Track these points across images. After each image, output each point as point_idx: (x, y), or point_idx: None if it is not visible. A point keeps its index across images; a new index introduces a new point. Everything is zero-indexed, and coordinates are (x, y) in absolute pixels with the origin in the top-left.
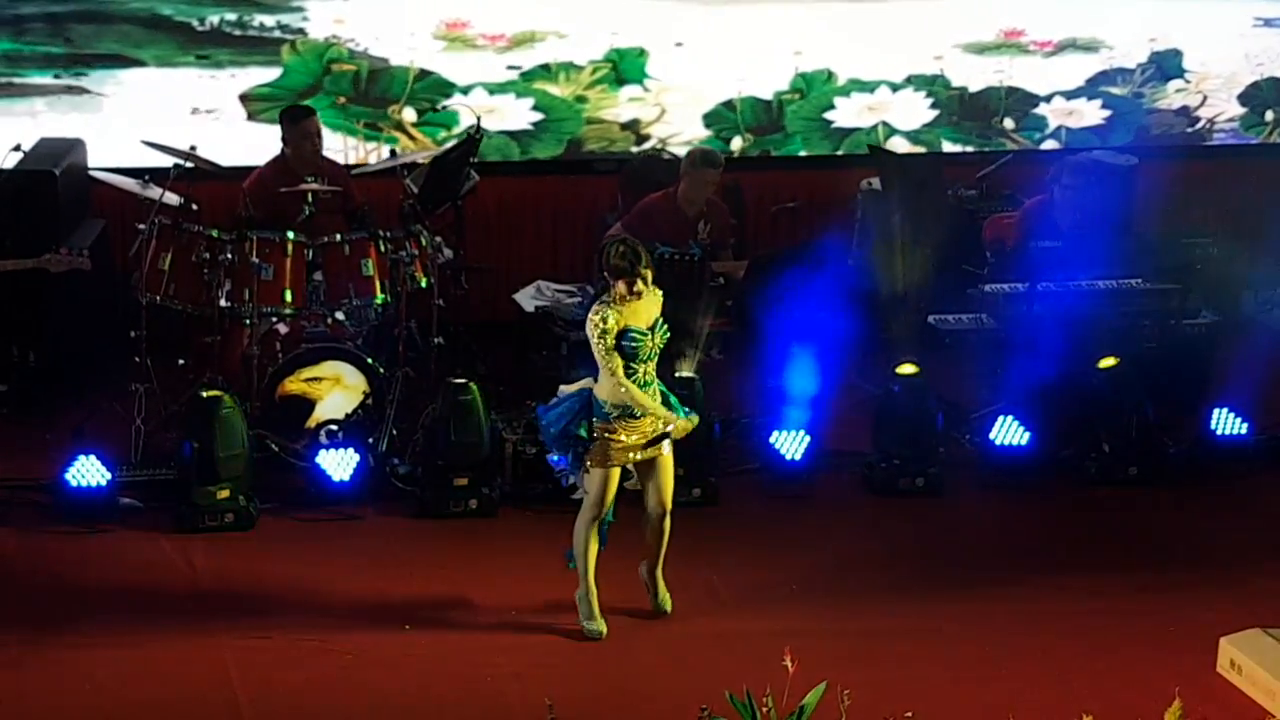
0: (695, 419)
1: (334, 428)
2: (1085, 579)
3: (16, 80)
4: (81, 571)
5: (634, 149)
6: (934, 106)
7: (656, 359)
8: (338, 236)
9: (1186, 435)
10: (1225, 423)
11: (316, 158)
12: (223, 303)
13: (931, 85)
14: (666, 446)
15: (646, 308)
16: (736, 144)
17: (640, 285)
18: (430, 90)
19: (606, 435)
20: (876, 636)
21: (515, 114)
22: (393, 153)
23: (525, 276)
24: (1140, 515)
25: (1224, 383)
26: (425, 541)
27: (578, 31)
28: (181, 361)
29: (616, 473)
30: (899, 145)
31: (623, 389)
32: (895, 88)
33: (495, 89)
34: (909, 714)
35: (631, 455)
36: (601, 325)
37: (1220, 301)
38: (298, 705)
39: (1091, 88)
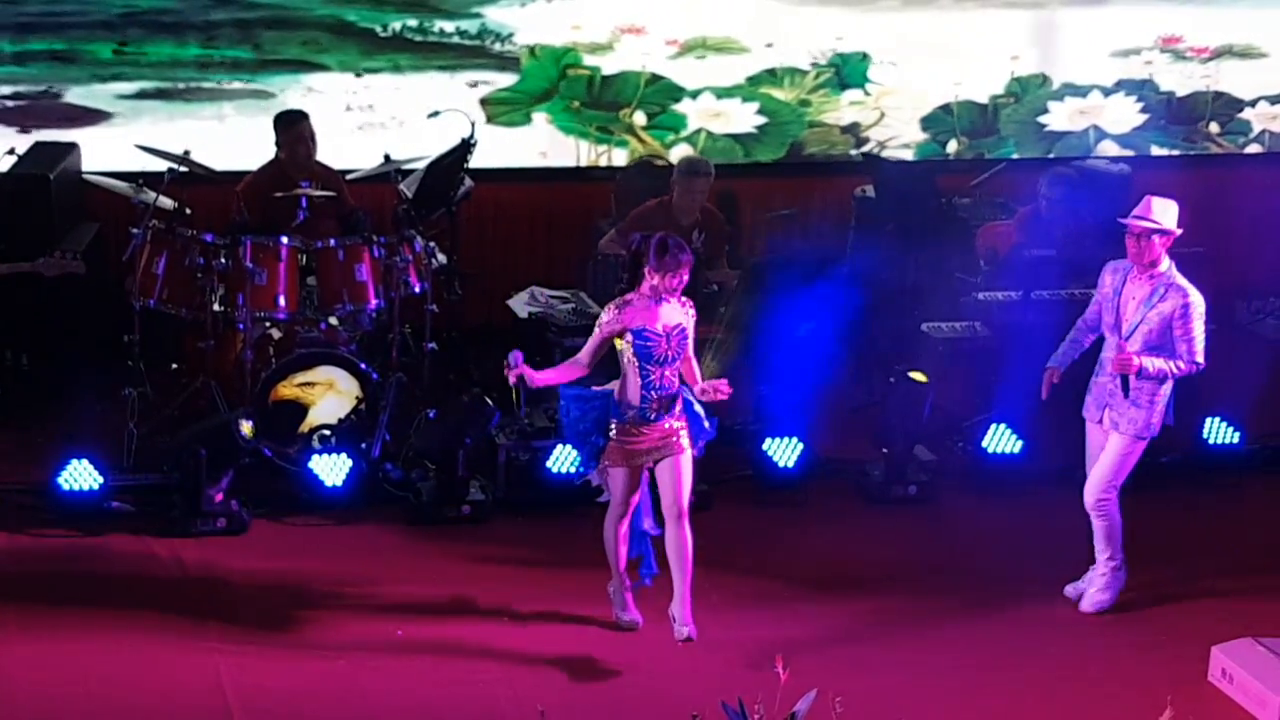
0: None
1: (327, 433)
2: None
3: (205, 85)
4: (73, 576)
5: (852, 152)
6: (1144, 111)
7: (676, 365)
8: (331, 241)
9: (1179, 444)
10: (1217, 432)
11: (310, 161)
12: (216, 307)
13: (1141, 90)
14: (683, 444)
15: (668, 312)
16: (952, 147)
17: (680, 283)
18: (661, 95)
19: (624, 437)
20: (868, 643)
21: (741, 118)
22: (386, 158)
23: (519, 282)
24: (1132, 524)
25: (1216, 392)
26: (418, 546)
27: (802, 37)
28: (175, 366)
29: (637, 473)
30: (1108, 150)
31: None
32: (1107, 92)
33: (722, 93)
34: None
35: (649, 457)
36: (601, 318)
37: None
38: (289, 710)
39: None
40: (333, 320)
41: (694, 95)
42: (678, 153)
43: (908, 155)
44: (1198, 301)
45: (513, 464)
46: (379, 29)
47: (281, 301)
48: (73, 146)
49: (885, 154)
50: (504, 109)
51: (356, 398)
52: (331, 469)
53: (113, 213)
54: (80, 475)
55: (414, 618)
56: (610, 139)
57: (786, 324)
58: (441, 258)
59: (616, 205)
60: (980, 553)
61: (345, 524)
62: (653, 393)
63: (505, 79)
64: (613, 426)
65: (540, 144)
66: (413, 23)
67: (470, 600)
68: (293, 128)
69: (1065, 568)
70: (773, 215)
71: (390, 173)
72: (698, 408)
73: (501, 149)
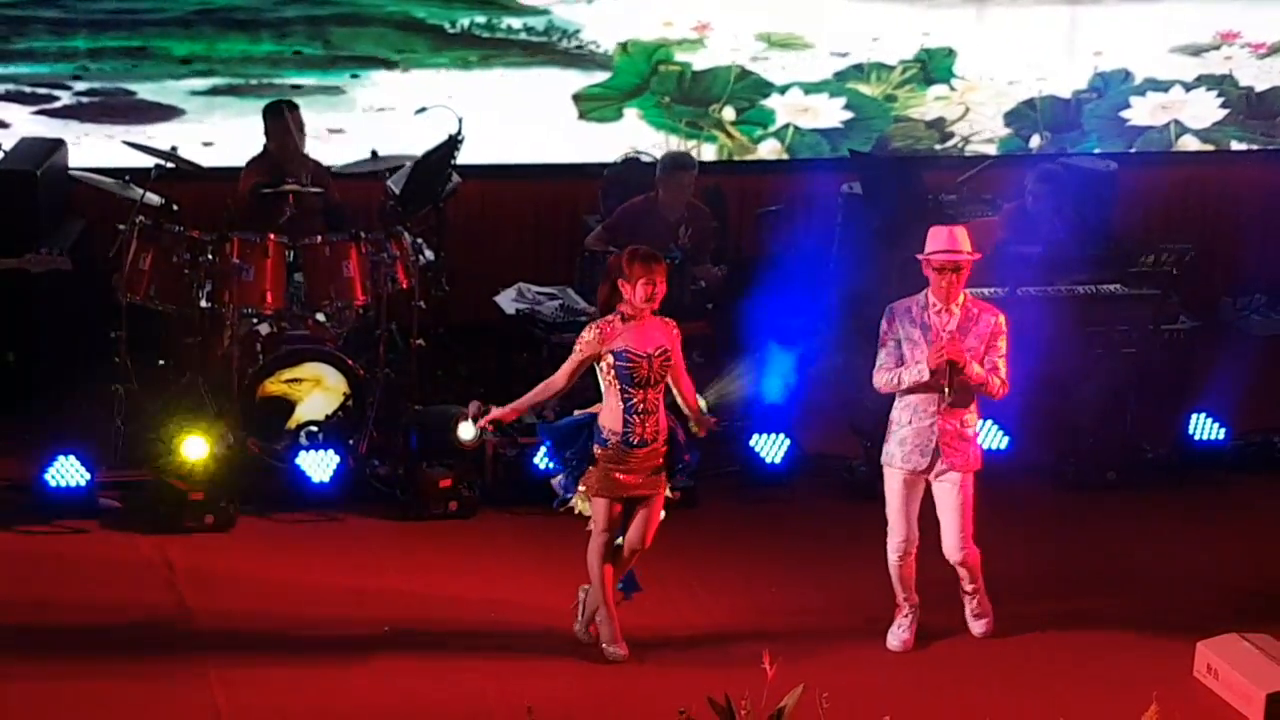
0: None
1: (314, 429)
2: (1063, 583)
3: (276, 80)
4: (60, 572)
5: (936, 147)
6: (1224, 106)
7: (659, 388)
8: (319, 238)
9: (1165, 440)
10: (1203, 428)
11: (299, 153)
12: (203, 303)
13: (1221, 85)
14: (663, 484)
15: (650, 331)
16: (1035, 142)
17: (651, 294)
18: (750, 90)
19: (608, 464)
20: (855, 640)
21: (828, 113)
22: (373, 153)
23: (507, 279)
24: (1118, 520)
25: (1202, 388)
26: (405, 543)
27: (890, 32)
28: (162, 362)
29: (618, 508)
30: (1189, 144)
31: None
32: (1188, 87)
33: (810, 88)
34: (887, 718)
35: (632, 492)
36: (581, 336)
37: (1199, 307)
38: (276, 705)
39: None
40: (320, 316)
41: (782, 90)
42: (766, 148)
43: (991, 150)
44: (1003, 320)
45: (500, 460)
46: (447, 25)
47: (268, 298)
48: (59, 143)
49: (969, 149)
50: (595, 105)
51: (344, 394)
52: (319, 465)
53: (100, 209)
54: (67, 471)
55: (401, 614)
56: (699, 134)
57: (773, 320)
58: (429, 254)
59: (604, 201)
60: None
61: (332, 520)
62: (635, 416)
63: (569, 75)
64: (596, 452)
65: (630, 139)
66: (481, 19)
67: (457, 596)
68: (282, 118)
69: (1050, 564)
70: (760, 212)
71: (378, 169)
72: (680, 434)
73: (592, 145)
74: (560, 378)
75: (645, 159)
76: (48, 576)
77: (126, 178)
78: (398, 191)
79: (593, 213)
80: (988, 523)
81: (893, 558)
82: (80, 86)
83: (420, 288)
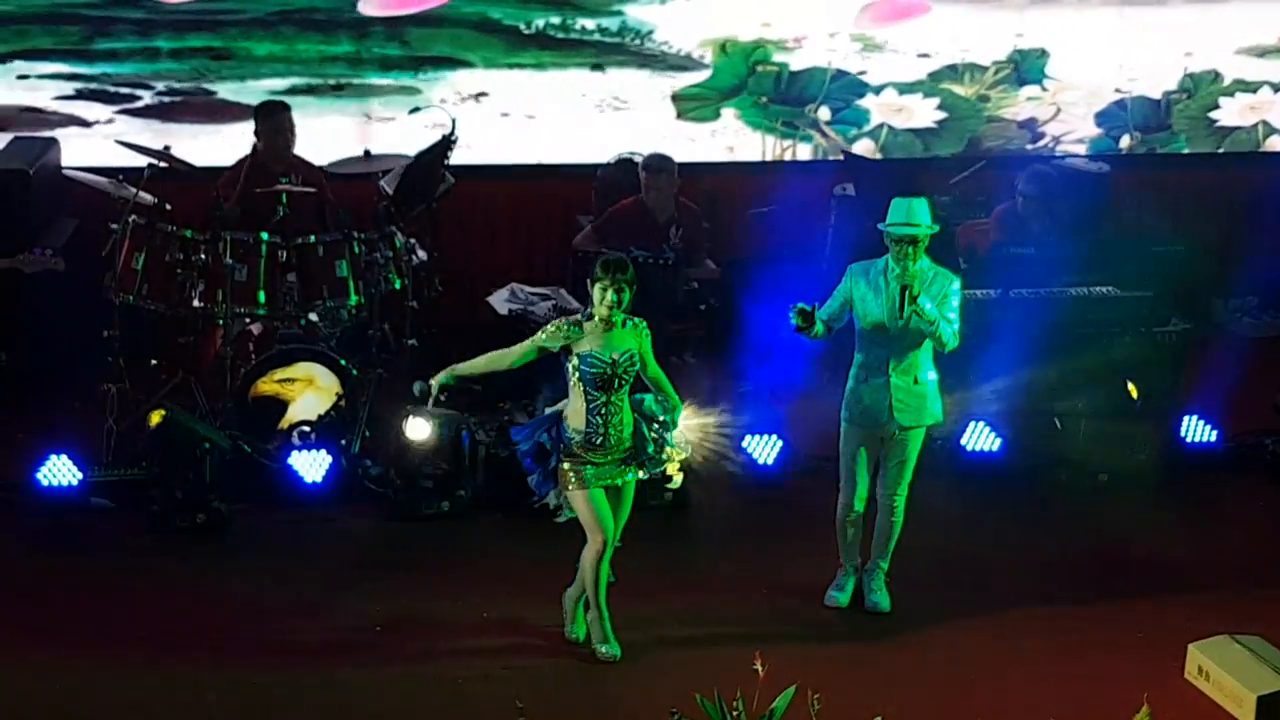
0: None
1: (306, 429)
2: (1055, 585)
3: (356, 81)
4: (51, 571)
5: (1028, 147)
6: None
7: (623, 390)
8: (312, 238)
9: (1156, 442)
10: (1195, 430)
11: (288, 153)
12: (196, 303)
13: None
14: (633, 474)
15: (618, 337)
16: (1125, 142)
17: (611, 300)
18: (845, 90)
19: (575, 462)
20: (848, 641)
21: (922, 113)
22: (367, 153)
23: (499, 279)
24: (1110, 521)
25: (1194, 390)
26: (396, 543)
27: (984, 33)
28: (154, 362)
29: (601, 495)
30: (1276, 145)
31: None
32: (1276, 88)
33: (905, 89)
34: (878, 718)
35: (606, 479)
36: (546, 326)
37: (1191, 309)
38: (267, 704)
39: None
40: (312, 316)
41: (877, 91)
42: (860, 147)
43: (1081, 150)
44: (958, 284)
45: (491, 460)
46: (522, 26)
47: (261, 298)
48: (52, 142)
49: (1060, 149)
50: (694, 104)
51: (336, 394)
52: (311, 465)
53: (92, 209)
54: (60, 471)
55: (392, 614)
56: (795, 134)
57: (766, 321)
58: (422, 254)
59: (597, 202)
60: (958, 550)
61: (324, 520)
62: (597, 417)
63: (637, 76)
64: (564, 450)
65: (727, 139)
66: (555, 20)
67: (449, 596)
68: (272, 118)
69: (1042, 565)
70: (752, 213)
71: (372, 170)
72: (646, 431)
73: (689, 144)
74: (513, 352)
75: (638, 160)
76: (38, 575)
77: (120, 177)
78: (391, 192)
79: (586, 213)
80: (979, 524)
81: (840, 514)
82: (160, 86)
83: (413, 288)
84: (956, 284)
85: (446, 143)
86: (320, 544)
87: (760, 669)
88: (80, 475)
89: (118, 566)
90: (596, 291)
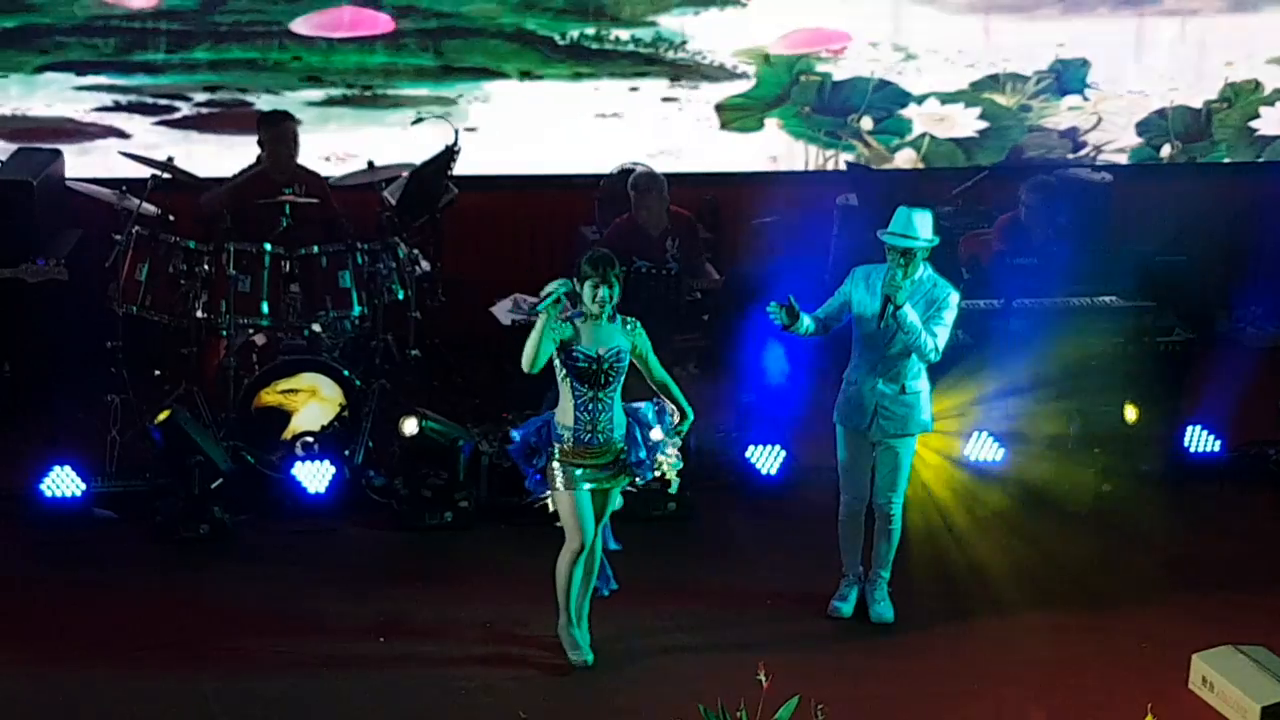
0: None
1: (310, 440)
2: (1059, 595)
3: (390, 92)
4: (55, 583)
5: (1069, 156)
6: None
7: (611, 388)
8: (315, 248)
9: (1160, 452)
10: (1199, 440)
11: (292, 163)
12: (199, 314)
13: None
14: (625, 481)
15: (607, 333)
16: (1165, 151)
17: (603, 296)
18: (888, 100)
19: (564, 460)
20: (852, 652)
21: (964, 123)
22: (370, 164)
23: (502, 290)
24: (1114, 532)
25: (1197, 400)
26: (400, 553)
27: (1024, 44)
28: (158, 372)
29: (586, 499)
30: None
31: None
32: None
33: (947, 98)
34: None
35: (595, 483)
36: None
37: (1194, 319)
38: (270, 714)
39: None
40: (316, 327)
41: (919, 100)
42: (902, 157)
43: (1122, 159)
44: (955, 296)
45: (496, 470)
46: (557, 37)
47: (264, 308)
48: (56, 153)
49: (1101, 159)
50: (738, 115)
51: (339, 405)
52: (314, 476)
53: (96, 219)
54: (63, 482)
55: (395, 624)
56: (838, 143)
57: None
58: (425, 265)
59: (600, 212)
60: (962, 560)
61: (328, 531)
62: (584, 413)
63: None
64: (554, 448)
65: (771, 149)
66: (590, 31)
67: (452, 607)
68: (276, 128)
69: (1046, 576)
70: (755, 222)
71: (375, 180)
72: (639, 435)
73: (734, 154)
74: (531, 350)
75: (643, 169)
76: (42, 586)
77: (123, 188)
78: (394, 202)
79: (589, 223)
80: (982, 536)
81: (841, 514)
82: (199, 97)
83: (416, 298)
84: (955, 296)
85: (450, 153)
86: (323, 554)
87: (764, 679)
88: (83, 486)
89: (121, 577)
90: (587, 289)
